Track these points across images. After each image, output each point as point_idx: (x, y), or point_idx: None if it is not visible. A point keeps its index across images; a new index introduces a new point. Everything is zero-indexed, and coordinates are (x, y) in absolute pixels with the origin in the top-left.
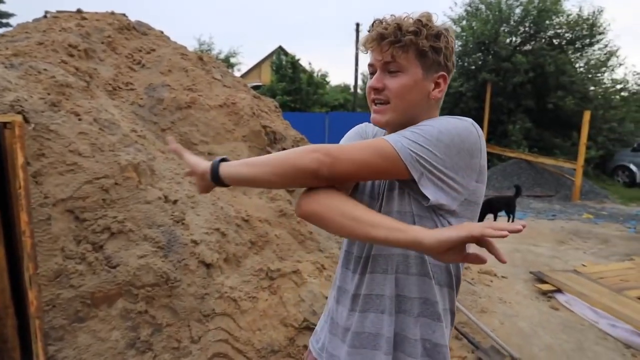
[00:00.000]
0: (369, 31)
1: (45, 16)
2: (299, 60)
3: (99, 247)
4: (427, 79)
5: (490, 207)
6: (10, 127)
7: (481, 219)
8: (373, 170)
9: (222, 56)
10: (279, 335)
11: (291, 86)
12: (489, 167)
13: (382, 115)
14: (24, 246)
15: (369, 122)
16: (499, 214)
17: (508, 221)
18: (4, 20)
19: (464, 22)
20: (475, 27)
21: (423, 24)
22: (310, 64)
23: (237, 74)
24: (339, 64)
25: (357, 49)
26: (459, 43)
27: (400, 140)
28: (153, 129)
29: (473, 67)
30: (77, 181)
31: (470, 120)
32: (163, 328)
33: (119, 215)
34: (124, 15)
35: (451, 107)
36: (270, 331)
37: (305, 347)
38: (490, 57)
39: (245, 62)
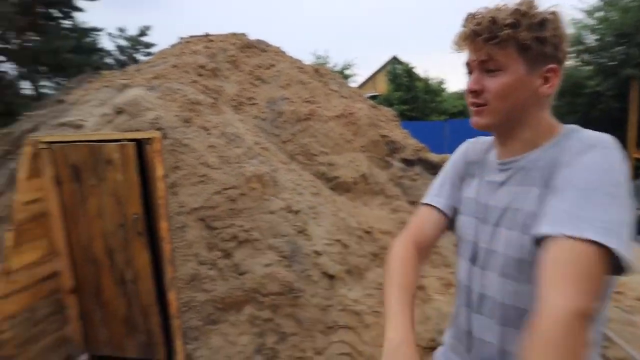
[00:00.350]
0: (462, 27)
1: (180, 42)
2: (414, 68)
3: (228, 255)
4: (533, 75)
5: None
6: (150, 142)
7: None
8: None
9: (337, 69)
10: None
11: (407, 95)
12: (637, 176)
13: (481, 118)
14: (163, 251)
15: None
16: None
17: None
18: (148, 50)
19: (600, 13)
20: (613, 18)
21: (522, 13)
22: (426, 71)
23: (353, 85)
24: (456, 70)
25: None
26: (594, 37)
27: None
28: (275, 141)
29: (613, 63)
30: (207, 191)
31: (613, 146)
32: (288, 337)
33: (246, 224)
34: (244, 34)
35: (587, 109)
36: None
37: None
38: (635, 49)
39: (360, 74)
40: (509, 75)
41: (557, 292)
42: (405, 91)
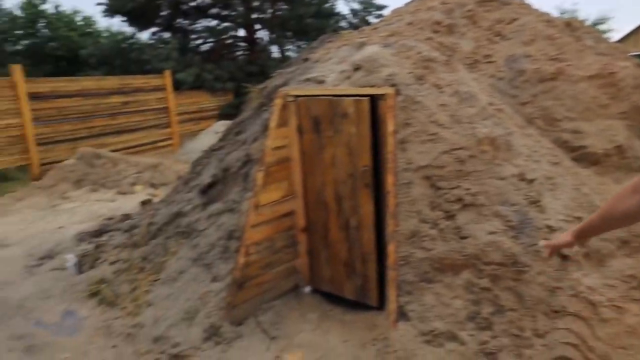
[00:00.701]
0: None
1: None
2: None
3: (451, 216)
4: None
5: None
6: (384, 98)
7: None
8: None
9: (588, 23)
10: None
11: None
12: None
13: None
14: (388, 205)
15: None
16: None
17: None
18: (379, 12)
19: None
20: None
21: None
22: None
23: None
24: None
25: None
26: None
27: None
28: (512, 102)
29: None
30: (436, 150)
31: None
32: (505, 311)
33: (473, 187)
34: None
35: None
36: (639, 354)
37: None
38: None
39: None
40: None
41: None
42: None
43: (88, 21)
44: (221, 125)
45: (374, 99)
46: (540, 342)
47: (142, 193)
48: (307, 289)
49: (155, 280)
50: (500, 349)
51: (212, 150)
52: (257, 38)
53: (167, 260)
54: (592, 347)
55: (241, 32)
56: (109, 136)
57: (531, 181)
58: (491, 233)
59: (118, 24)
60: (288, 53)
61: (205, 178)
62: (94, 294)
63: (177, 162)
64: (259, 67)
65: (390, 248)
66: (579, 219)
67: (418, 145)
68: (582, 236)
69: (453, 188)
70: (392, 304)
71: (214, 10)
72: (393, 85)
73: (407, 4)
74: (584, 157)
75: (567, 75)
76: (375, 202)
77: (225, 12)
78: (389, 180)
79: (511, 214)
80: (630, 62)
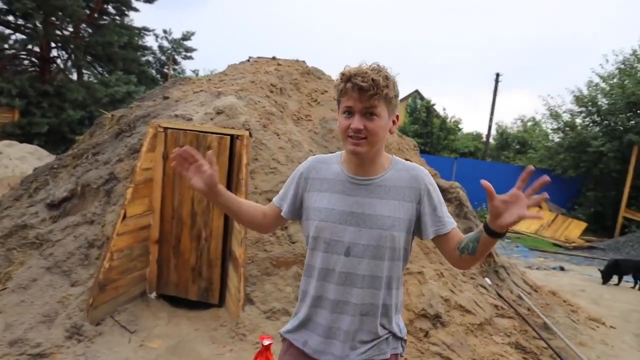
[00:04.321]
0: (347, 83)
1: (248, 60)
2: (434, 105)
3: (285, 228)
4: (389, 120)
5: (618, 268)
6: (241, 138)
7: (607, 279)
8: None
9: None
10: (402, 317)
11: (423, 129)
12: (625, 232)
13: (361, 148)
14: None
15: (498, 171)
16: (625, 277)
17: (634, 286)
18: (188, 54)
19: (615, 80)
20: (626, 86)
21: (386, 77)
22: (444, 109)
23: None
24: (472, 111)
25: (494, 98)
26: (605, 101)
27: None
28: (323, 151)
29: (619, 128)
30: (276, 180)
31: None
32: None
33: None
34: (304, 62)
35: (590, 166)
36: None
37: (422, 329)
38: None
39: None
40: (381, 120)
41: None
42: (422, 126)
43: None
44: (6, 145)
45: (233, 138)
46: None
47: None
48: (154, 294)
49: (1, 290)
50: None
51: (52, 169)
52: (52, 57)
53: (13, 271)
54: None
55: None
56: None
57: None
58: None
59: None
60: (87, 78)
61: (57, 193)
62: None
63: None
64: (54, 88)
65: (241, 251)
66: None
67: (263, 176)
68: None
69: None
70: (241, 293)
71: (9, 17)
72: (247, 129)
73: (242, 63)
74: None
75: None
76: (224, 217)
77: (21, 22)
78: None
79: None
80: (394, 133)
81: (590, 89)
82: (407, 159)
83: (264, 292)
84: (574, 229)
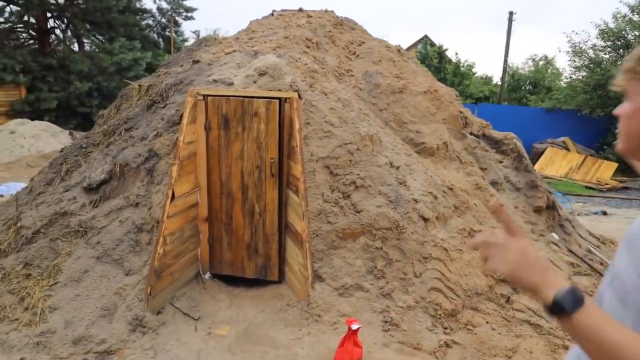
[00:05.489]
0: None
1: (272, 14)
2: (446, 50)
3: (347, 196)
4: None
5: None
6: (291, 101)
7: None
8: None
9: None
10: (482, 282)
11: (437, 76)
12: None
13: (618, 143)
14: (299, 189)
15: (519, 114)
16: None
17: None
18: (189, 14)
19: None
20: None
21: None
22: (456, 54)
23: None
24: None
25: (508, 39)
26: (636, 33)
27: None
28: (372, 109)
29: None
30: (331, 145)
31: None
32: (393, 263)
33: (361, 173)
34: (333, 12)
35: (618, 104)
36: (474, 278)
37: (503, 295)
38: None
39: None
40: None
41: None
42: (435, 72)
43: None
44: (18, 124)
45: (281, 101)
46: (418, 280)
47: None
48: (208, 275)
49: (53, 285)
50: (392, 289)
51: (82, 148)
52: (50, 27)
53: (61, 263)
54: (449, 278)
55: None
56: None
57: (397, 167)
58: (378, 206)
59: None
60: (89, 47)
61: (94, 175)
62: None
63: None
64: (58, 60)
65: (304, 225)
66: (430, 192)
67: (317, 141)
68: None
69: (347, 174)
70: (309, 270)
71: None
72: (296, 90)
73: (266, 18)
74: (423, 150)
75: (409, 90)
76: (279, 189)
77: None
78: (299, 169)
79: (389, 192)
80: (441, 84)
81: (617, 21)
82: (460, 111)
83: (332, 268)
84: (605, 169)
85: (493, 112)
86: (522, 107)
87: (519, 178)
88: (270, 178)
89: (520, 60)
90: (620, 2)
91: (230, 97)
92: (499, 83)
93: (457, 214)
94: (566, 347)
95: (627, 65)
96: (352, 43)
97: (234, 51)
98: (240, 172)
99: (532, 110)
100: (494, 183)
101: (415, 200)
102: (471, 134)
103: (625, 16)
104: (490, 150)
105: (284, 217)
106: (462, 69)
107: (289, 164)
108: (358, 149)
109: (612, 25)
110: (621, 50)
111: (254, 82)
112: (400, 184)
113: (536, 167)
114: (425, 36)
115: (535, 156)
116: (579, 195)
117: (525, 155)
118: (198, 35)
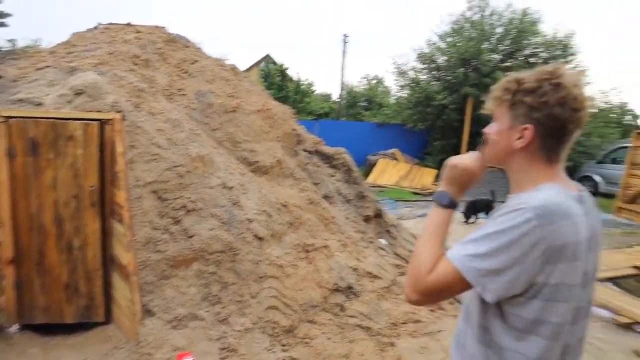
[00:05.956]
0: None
1: (96, 27)
2: (287, 69)
3: (178, 221)
4: (513, 130)
5: (475, 208)
6: (112, 123)
7: (468, 218)
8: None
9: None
10: (317, 295)
11: (279, 94)
12: None
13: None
14: (124, 218)
15: (356, 129)
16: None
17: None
18: (2, 20)
19: (449, 39)
20: (459, 44)
21: (520, 81)
22: (298, 73)
23: None
24: (322, 73)
25: (344, 59)
26: (444, 58)
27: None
28: (205, 129)
29: (456, 82)
30: (159, 168)
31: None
32: (229, 286)
33: (192, 196)
34: (164, 28)
35: (435, 118)
36: (309, 291)
37: (337, 304)
38: (473, 72)
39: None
40: (497, 126)
41: None
42: (277, 91)
43: None
44: None
45: (102, 124)
46: (255, 301)
47: None
48: (15, 327)
49: None
50: (230, 314)
51: None
52: None
53: None
54: (285, 295)
55: None
56: None
57: (231, 188)
58: (211, 230)
59: None
60: None
61: None
62: None
63: None
64: None
65: (130, 257)
66: (265, 211)
67: (144, 165)
68: None
69: (177, 198)
70: (137, 306)
71: None
72: (119, 111)
73: (91, 31)
74: (258, 169)
75: (242, 109)
76: (101, 219)
77: None
78: (123, 196)
79: (223, 213)
80: (276, 102)
81: (430, 47)
82: (293, 129)
83: (164, 299)
84: (427, 176)
85: (333, 128)
86: (357, 123)
87: (350, 190)
88: (90, 208)
89: (356, 79)
90: (432, 32)
91: (40, 119)
92: (338, 100)
93: (292, 230)
94: (393, 345)
95: (495, 94)
96: (185, 61)
97: (47, 67)
98: (53, 204)
99: (366, 125)
100: (326, 197)
101: (250, 220)
102: (305, 150)
103: (435, 43)
104: (323, 166)
105: (108, 250)
106: (303, 87)
107: (112, 191)
108: (189, 172)
109: (427, 50)
110: (434, 72)
111: (69, 102)
112: (234, 204)
113: (371, 177)
114: (268, 55)
115: (370, 167)
116: (408, 201)
117: (355, 168)
118: (14, 45)
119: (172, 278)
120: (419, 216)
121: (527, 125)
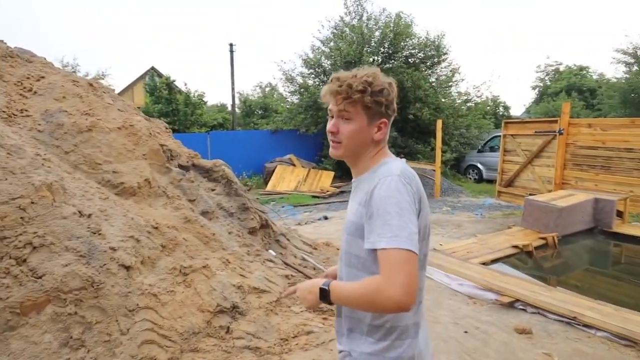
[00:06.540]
0: (328, 84)
1: None
2: (174, 81)
3: (23, 261)
4: (371, 125)
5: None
6: None
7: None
8: None
9: (89, 78)
10: (198, 320)
11: (168, 108)
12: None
13: (337, 151)
14: None
15: (251, 138)
16: None
17: None
18: None
19: (332, 43)
20: (342, 48)
21: (369, 83)
22: (186, 84)
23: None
24: (214, 83)
25: (232, 68)
26: (328, 62)
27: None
28: (56, 152)
29: None
30: None
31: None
32: (93, 325)
33: (39, 230)
34: (2, 41)
35: (325, 121)
36: (190, 317)
37: (222, 327)
38: None
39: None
40: (355, 124)
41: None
42: (166, 104)
43: None
44: None
45: None
46: (126, 337)
47: None
48: None
49: None
50: (96, 357)
51: None
52: None
53: None
54: (162, 325)
55: None
56: None
57: (89, 216)
58: (66, 265)
59: None
60: None
61: None
62: None
63: None
64: None
65: None
66: (132, 237)
67: None
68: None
69: (19, 235)
70: None
71: None
72: None
73: None
74: (124, 191)
75: (100, 127)
76: None
77: None
78: None
79: (80, 245)
80: (140, 117)
81: (314, 52)
82: (162, 144)
83: (11, 354)
84: (325, 178)
85: (226, 139)
86: (252, 131)
87: (231, 203)
88: None
89: (250, 87)
90: (313, 36)
91: None
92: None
93: (166, 253)
94: None
95: (343, 94)
96: (28, 78)
97: None
98: None
99: (261, 133)
100: (205, 212)
101: (113, 249)
102: (180, 165)
103: (319, 48)
104: (201, 180)
105: None
106: (193, 98)
107: None
108: (33, 203)
109: (311, 55)
110: (321, 75)
111: None
112: (94, 233)
113: (270, 184)
114: (152, 67)
115: (268, 174)
116: (307, 205)
117: (235, 180)
118: None
119: (20, 327)
120: (318, 219)
121: (384, 120)
